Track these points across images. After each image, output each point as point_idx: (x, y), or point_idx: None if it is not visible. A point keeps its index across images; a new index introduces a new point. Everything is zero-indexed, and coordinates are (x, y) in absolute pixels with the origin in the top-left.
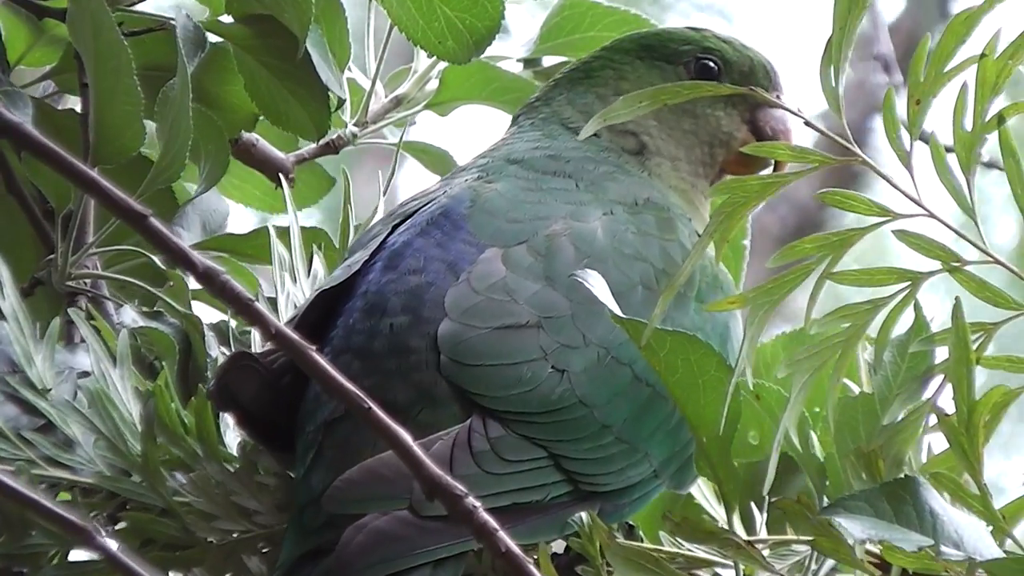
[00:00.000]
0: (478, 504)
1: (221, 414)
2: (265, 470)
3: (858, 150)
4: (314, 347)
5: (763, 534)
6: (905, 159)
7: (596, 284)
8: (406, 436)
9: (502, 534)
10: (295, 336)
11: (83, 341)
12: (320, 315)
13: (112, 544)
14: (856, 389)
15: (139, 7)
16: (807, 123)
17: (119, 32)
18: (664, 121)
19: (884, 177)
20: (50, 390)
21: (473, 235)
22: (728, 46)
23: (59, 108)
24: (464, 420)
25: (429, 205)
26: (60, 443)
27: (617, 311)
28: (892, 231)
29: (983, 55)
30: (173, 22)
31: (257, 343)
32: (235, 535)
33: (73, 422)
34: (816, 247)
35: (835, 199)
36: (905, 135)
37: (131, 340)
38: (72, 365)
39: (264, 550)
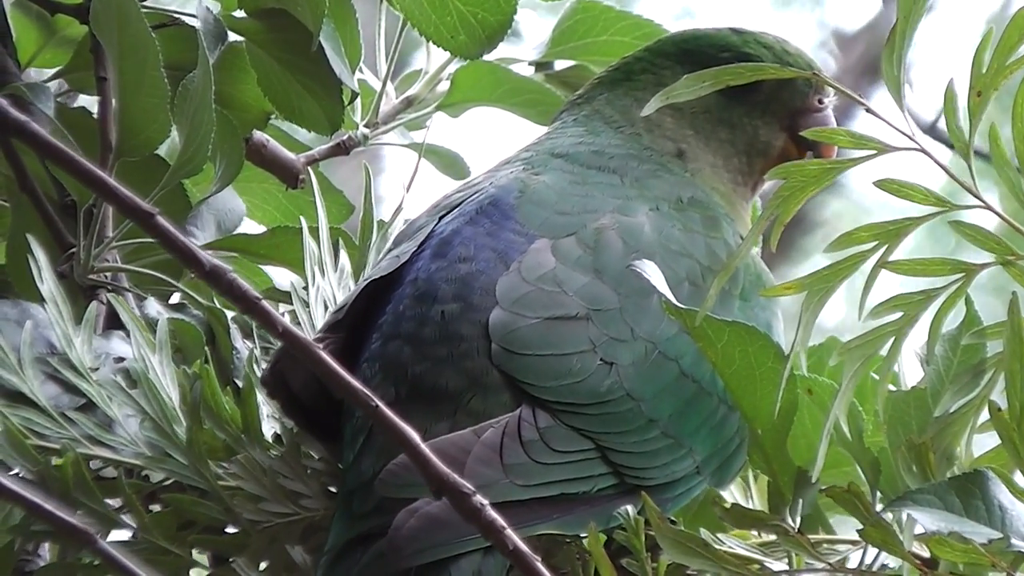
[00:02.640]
0: (485, 502)
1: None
2: (310, 455)
3: (918, 139)
4: (321, 345)
5: None
6: (965, 151)
7: (653, 274)
8: (413, 434)
9: (509, 532)
10: (301, 334)
11: (114, 329)
12: (367, 304)
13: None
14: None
15: (149, 2)
16: (868, 109)
17: (146, 24)
18: (701, 130)
19: (943, 167)
20: (96, 369)
21: (522, 225)
22: (768, 51)
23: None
24: (514, 409)
25: (477, 195)
26: (102, 423)
27: (674, 301)
28: (948, 222)
29: None
30: (189, 17)
31: (308, 332)
32: (281, 518)
33: (117, 403)
34: (872, 235)
35: (891, 187)
36: (965, 127)
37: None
38: (108, 351)
39: (308, 537)
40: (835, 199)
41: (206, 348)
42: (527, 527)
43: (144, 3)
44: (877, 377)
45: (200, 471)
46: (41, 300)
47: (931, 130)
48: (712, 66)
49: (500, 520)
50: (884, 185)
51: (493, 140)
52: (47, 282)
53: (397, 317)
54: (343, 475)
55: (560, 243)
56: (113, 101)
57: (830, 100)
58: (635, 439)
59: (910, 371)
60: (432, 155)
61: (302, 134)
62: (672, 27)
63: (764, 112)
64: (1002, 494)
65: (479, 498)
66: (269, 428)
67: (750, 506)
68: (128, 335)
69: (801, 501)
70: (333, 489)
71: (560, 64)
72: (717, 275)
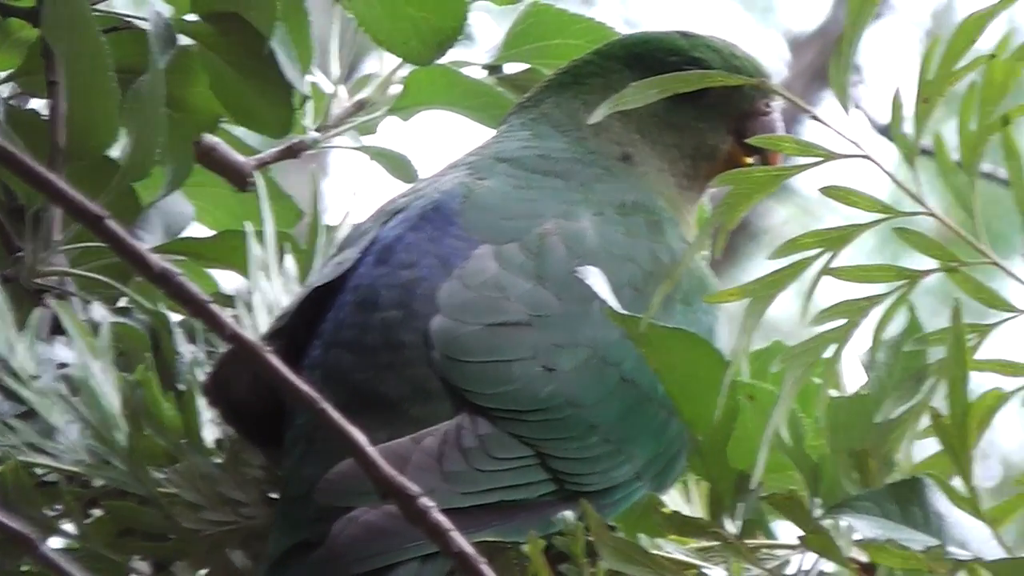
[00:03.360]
0: (431, 504)
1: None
2: (251, 463)
3: (862, 147)
4: (269, 348)
5: None
6: (911, 158)
7: (596, 281)
8: (360, 436)
9: (455, 534)
10: (250, 338)
11: (56, 335)
12: (310, 311)
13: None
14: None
15: (101, 6)
16: (814, 116)
17: (97, 28)
18: (647, 134)
19: (888, 174)
20: (37, 378)
21: (465, 231)
22: (717, 55)
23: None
24: (455, 416)
25: (420, 200)
26: (43, 431)
27: (617, 307)
28: (892, 228)
29: (992, 56)
30: (140, 21)
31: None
32: (220, 527)
33: (58, 411)
34: (816, 242)
35: (837, 194)
36: (911, 133)
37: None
38: (51, 357)
39: (248, 545)
40: (781, 205)
41: (148, 354)
42: (469, 534)
43: (95, 7)
44: (819, 382)
45: (140, 478)
46: None
47: (886, 131)
48: (660, 70)
49: (446, 523)
50: (830, 192)
51: (445, 143)
52: None
53: (339, 324)
54: (283, 483)
55: (503, 249)
56: (63, 104)
57: (778, 104)
58: (575, 445)
59: (852, 377)
60: (381, 158)
61: (252, 137)
62: (626, 31)
63: (711, 116)
64: (939, 501)
65: (425, 501)
66: (211, 433)
67: (690, 511)
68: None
69: (741, 507)
70: (274, 496)
71: (513, 67)
72: (660, 280)
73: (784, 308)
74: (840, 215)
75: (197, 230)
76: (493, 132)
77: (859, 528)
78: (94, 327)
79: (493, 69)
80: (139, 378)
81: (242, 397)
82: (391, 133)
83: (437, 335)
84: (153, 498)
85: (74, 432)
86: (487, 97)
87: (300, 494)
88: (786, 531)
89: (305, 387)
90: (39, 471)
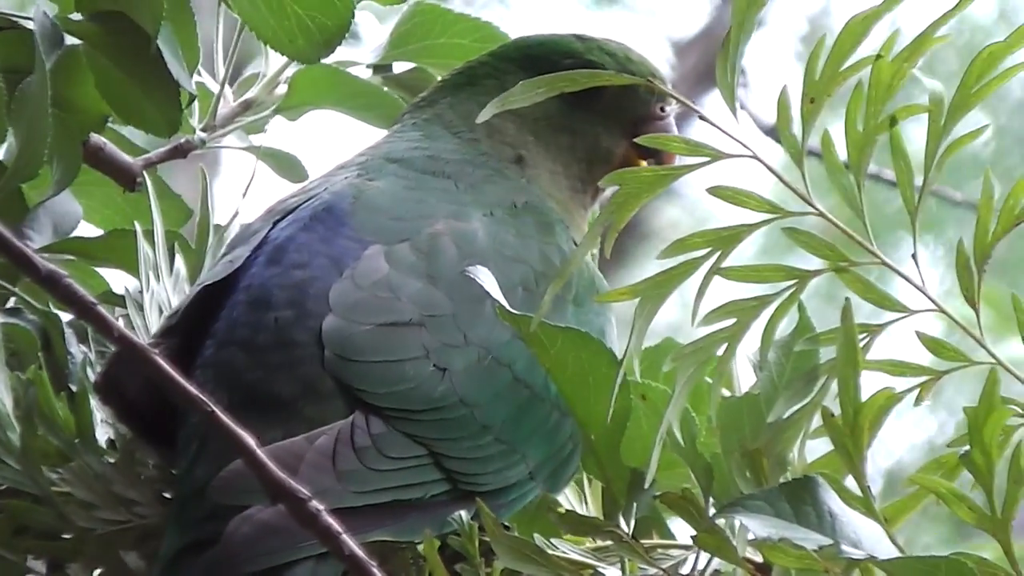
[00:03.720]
0: (321, 507)
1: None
2: (144, 463)
3: (750, 147)
4: (156, 350)
5: None
6: (798, 158)
7: (487, 280)
8: (249, 439)
9: (346, 537)
10: (137, 339)
11: None
12: (202, 309)
13: None
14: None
15: None
16: (701, 117)
17: None
18: (541, 136)
19: (776, 174)
20: None
21: (356, 231)
22: (611, 59)
23: None
24: (348, 416)
25: (311, 201)
26: None
27: (507, 306)
28: (781, 228)
29: (879, 56)
30: (26, 20)
31: (142, 336)
32: (114, 526)
33: None
34: (705, 242)
35: (725, 194)
36: (798, 134)
37: None
38: None
39: (142, 544)
40: (670, 206)
41: (40, 353)
42: (361, 534)
43: None
44: (711, 382)
45: (34, 477)
46: None
47: (771, 132)
48: (555, 72)
49: (336, 525)
50: (718, 192)
51: (332, 143)
52: None
53: (231, 323)
54: (177, 482)
55: (394, 249)
56: None
57: (672, 108)
58: (468, 445)
59: (744, 377)
60: (270, 158)
61: (139, 137)
62: (511, 31)
63: (606, 119)
64: (832, 500)
65: (315, 503)
66: (103, 433)
67: (585, 510)
68: None
69: (635, 506)
70: (168, 496)
71: (399, 67)
72: (551, 280)
73: (675, 309)
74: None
75: (85, 230)
76: (380, 132)
77: (752, 527)
78: None
79: (379, 68)
80: (31, 378)
81: (134, 396)
82: (280, 133)
83: (329, 335)
84: (47, 497)
85: None
86: (373, 97)
87: (194, 493)
88: (684, 529)
89: (193, 389)
90: None
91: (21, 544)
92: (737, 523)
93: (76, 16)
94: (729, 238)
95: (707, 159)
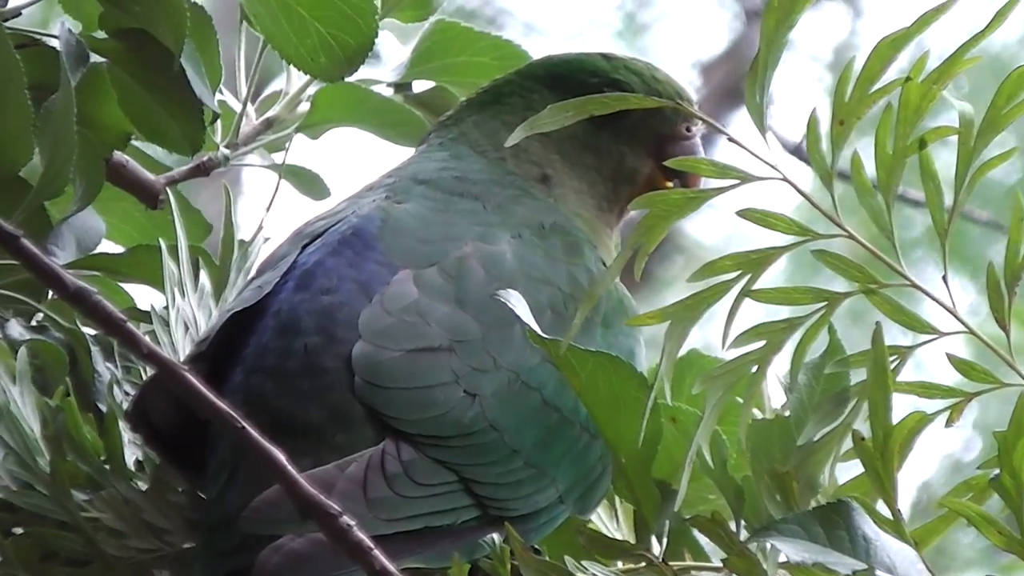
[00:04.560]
0: (352, 523)
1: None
2: (173, 489)
3: (780, 168)
4: (187, 367)
5: None
6: (827, 180)
7: (517, 304)
8: (280, 456)
9: (377, 553)
10: (167, 356)
11: None
12: (230, 335)
13: None
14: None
15: (9, 23)
16: (730, 139)
17: (10, 46)
18: (567, 156)
19: (805, 196)
20: None
21: (384, 255)
22: (638, 78)
23: None
24: (378, 442)
25: (339, 225)
26: None
27: (537, 330)
28: (811, 251)
29: (908, 78)
30: (50, 38)
31: (168, 352)
32: (144, 554)
33: None
34: (735, 264)
35: (755, 216)
36: (827, 155)
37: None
38: None
39: (172, 570)
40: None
41: (68, 378)
42: (391, 562)
43: (4, 23)
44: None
45: (63, 503)
46: None
47: (796, 151)
48: (581, 91)
49: (367, 541)
50: (747, 215)
51: (353, 161)
52: None
53: (260, 350)
54: (207, 510)
55: (422, 273)
56: None
57: (698, 128)
58: (498, 470)
59: (774, 399)
60: (292, 176)
61: (162, 155)
62: (533, 49)
63: (631, 139)
64: (866, 524)
65: (346, 519)
66: (131, 454)
67: (616, 529)
68: None
69: (666, 526)
70: (197, 522)
71: (420, 85)
72: (579, 302)
73: (705, 331)
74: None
75: (107, 247)
76: (401, 149)
77: (785, 551)
78: (12, 345)
79: (400, 87)
80: (59, 403)
81: (163, 422)
82: (302, 151)
83: (358, 361)
84: (76, 524)
85: None
86: (394, 115)
87: (224, 522)
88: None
89: (224, 406)
90: None
91: (49, 570)
92: (768, 546)
93: (99, 34)
94: (759, 260)
95: (736, 181)
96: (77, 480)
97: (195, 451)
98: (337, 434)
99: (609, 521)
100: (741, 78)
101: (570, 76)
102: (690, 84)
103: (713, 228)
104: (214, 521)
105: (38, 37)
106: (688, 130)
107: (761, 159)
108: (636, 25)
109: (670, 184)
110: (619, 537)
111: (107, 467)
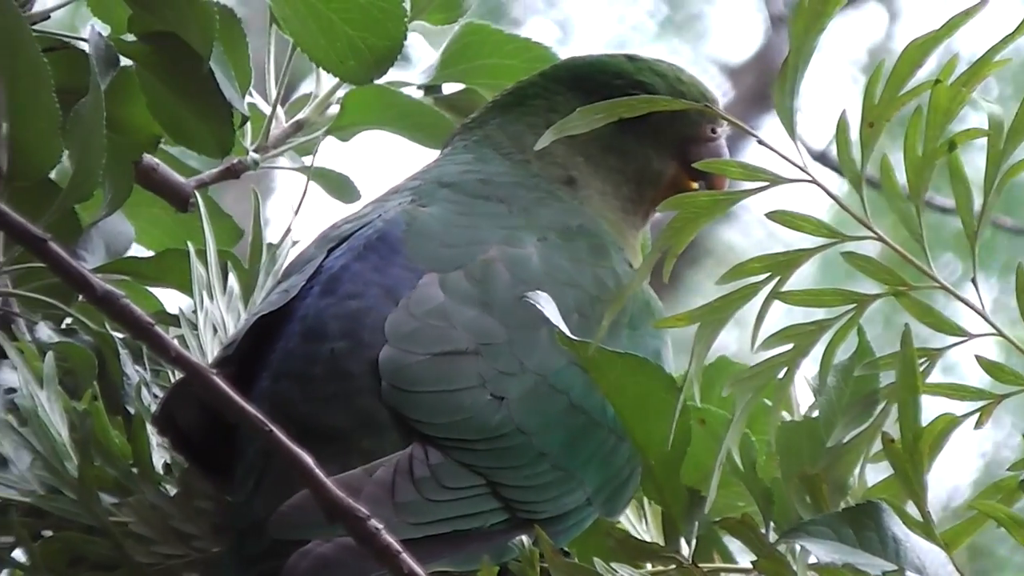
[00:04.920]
0: (380, 526)
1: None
2: (201, 494)
3: (809, 170)
4: (215, 370)
5: None
6: (857, 182)
7: (546, 305)
8: (308, 459)
9: (405, 556)
10: (195, 360)
11: (3, 358)
12: (255, 341)
13: None
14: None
15: (38, 26)
16: (760, 141)
17: (38, 48)
18: (591, 158)
19: (835, 199)
20: None
21: (410, 260)
22: (662, 79)
23: None
24: (405, 447)
25: (364, 228)
26: None
27: (567, 332)
28: (840, 253)
29: (937, 81)
30: (79, 41)
31: (197, 356)
32: (172, 560)
33: (8, 441)
34: (764, 267)
35: (784, 218)
36: (857, 158)
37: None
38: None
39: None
40: (724, 229)
41: (96, 383)
42: (420, 565)
43: (33, 27)
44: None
45: (91, 508)
46: None
47: (821, 157)
48: (605, 93)
49: (395, 544)
50: (776, 217)
51: (383, 163)
52: None
53: (286, 355)
54: (235, 516)
55: (448, 277)
56: (4, 126)
57: (723, 130)
58: (526, 473)
59: (803, 401)
60: (321, 178)
61: (192, 158)
62: (561, 51)
63: (656, 141)
64: (896, 525)
65: (374, 522)
66: (159, 457)
67: (644, 530)
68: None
69: (695, 528)
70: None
71: (449, 87)
72: (606, 304)
73: (730, 333)
74: (783, 240)
75: (136, 251)
76: (430, 152)
77: (815, 552)
78: (41, 348)
79: (429, 89)
80: (87, 407)
81: (190, 426)
82: (332, 153)
83: (385, 365)
84: (105, 529)
85: (24, 461)
86: (423, 117)
87: (253, 527)
88: (743, 549)
89: (252, 409)
90: None
91: (77, 575)
92: (798, 548)
93: (129, 37)
94: (788, 263)
95: (765, 184)
96: (105, 484)
97: (222, 455)
98: (364, 439)
99: (638, 523)
100: (770, 83)
101: (594, 78)
102: (718, 88)
103: (743, 232)
104: (242, 526)
105: (67, 40)
106: (713, 132)
107: (790, 161)
108: (667, 27)
109: (695, 186)
110: (647, 539)
111: (135, 471)
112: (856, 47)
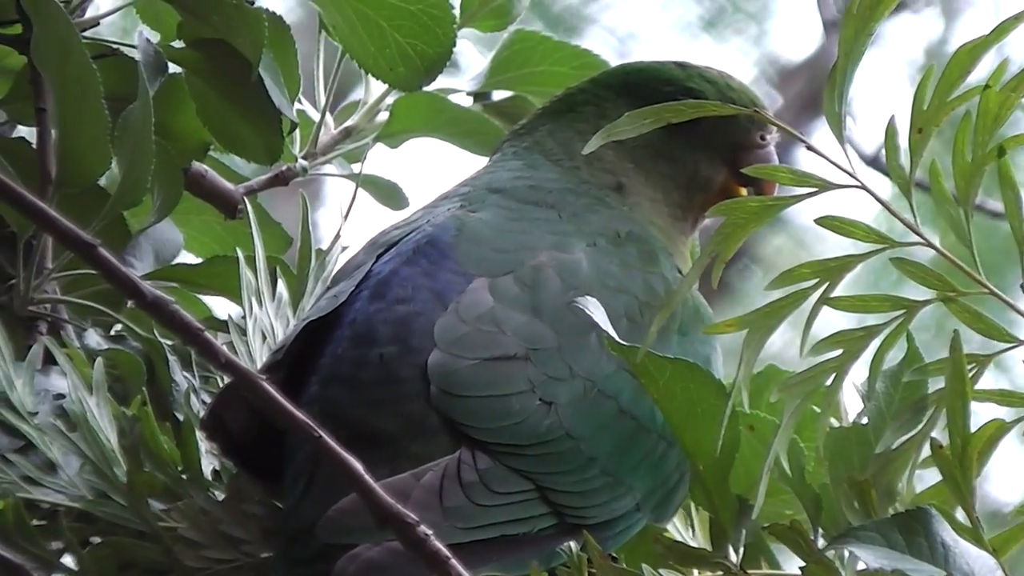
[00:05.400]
0: (430, 532)
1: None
2: (250, 498)
3: (859, 176)
4: (265, 376)
5: None
6: (906, 188)
7: (596, 311)
8: (357, 465)
9: (454, 562)
10: (243, 365)
11: (51, 364)
12: (306, 344)
13: None
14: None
15: (87, 33)
16: (809, 147)
17: (88, 55)
18: (641, 164)
19: (884, 204)
20: (35, 413)
21: (460, 264)
22: (712, 86)
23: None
24: (454, 451)
25: (414, 234)
26: (42, 465)
27: (616, 337)
28: (889, 259)
29: (987, 86)
30: (128, 48)
31: (246, 362)
32: (221, 564)
33: (57, 445)
34: (813, 272)
35: (833, 224)
36: (906, 164)
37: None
38: (47, 388)
39: None
40: (773, 235)
41: (145, 388)
42: (469, 570)
43: (82, 33)
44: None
45: (140, 513)
46: None
47: (872, 162)
48: (655, 100)
49: (444, 550)
50: (826, 222)
51: (432, 170)
52: None
53: (335, 359)
54: (284, 520)
55: (498, 282)
56: (53, 132)
57: (772, 137)
58: (575, 478)
59: (851, 407)
60: (371, 185)
61: (241, 165)
62: (613, 58)
63: (706, 147)
64: (945, 531)
65: (423, 528)
66: (207, 464)
67: (691, 537)
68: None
69: (743, 533)
70: (273, 533)
71: (498, 94)
72: (656, 310)
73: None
74: (830, 245)
75: (185, 258)
76: (480, 159)
77: (864, 558)
78: (90, 354)
79: (479, 96)
80: (136, 413)
81: (239, 431)
82: (381, 160)
83: (434, 370)
84: (154, 533)
85: (73, 466)
86: (473, 124)
87: (302, 531)
88: (790, 556)
89: (301, 415)
90: (39, 506)
91: None
92: (846, 555)
93: (178, 44)
94: (837, 268)
95: (814, 189)
96: (154, 490)
97: (271, 460)
98: (413, 444)
99: (684, 529)
100: (820, 88)
101: (644, 84)
102: (768, 95)
103: (790, 238)
104: (291, 530)
105: (116, 47)
106: (763, 138)
107: (840, 167)
108: (717, 32)
109: (744, 192)
110: (694, 545)
111: (184, 477)
112: (913, 48)
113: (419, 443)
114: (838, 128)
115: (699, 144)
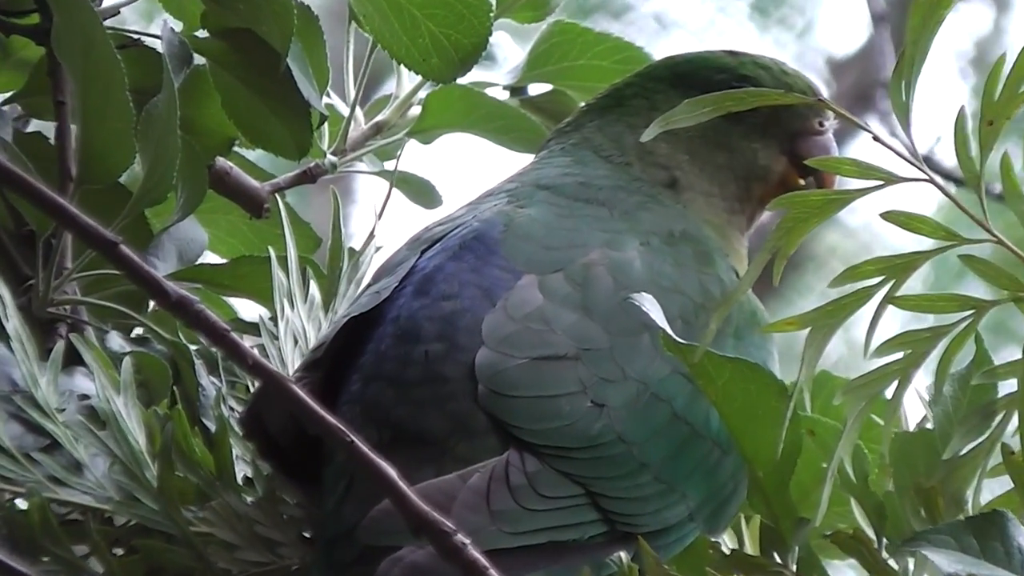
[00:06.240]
0: (467, 541)
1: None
2: (286, 501)
3: (926, 169)
4: (293, 378)
5: None
6: (976, 181)
7: (652, 308)
8: (390, 470)
9: (493, 572)
10: (272, 367)
11: (75, 364)
12: (346, 342)
13: None
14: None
15: (109, 23)
16: (875, 138)
17: (112, 46)
18: (696, 155)
19: (954, 200)
20: (62, 410)
21: (508, 260)
22: (766, 72)
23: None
24: (502, 453)
25: (459, 229)
26: (68, 465)
27: (673, 336)
28: (958, 256)
29: None
30: (151, 38)
31: (277, 365)
32: (256, 567)
33: (83, 445)
34: (878, 270)
35: (899, 219)
36: (975, 157)
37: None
38: (71, 388)
39: None
40: (829, 232)
41: (175, 387)
42: None
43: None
44: (877, 418)
45: (171, 517)
46: (6, 338)
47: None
48: (707, 89)
49: (483, 560)
50: (891, 217)
51: (467, 167)
52: (12, 319)
53: (379, 357)
54: (323, 522)
55: (547, 279)
56: (74, 127)
57: (831, 123)
58: (626, 484)
59: (912, 412)
60: (403, 183)
61: (267, 162)
62: (660, 52)
63: (763, 135)
64: (1021, 536)
65: (460, 537)
66: (239, 470)
67: (742, 549)
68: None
69: (802, 543)
70: (310, 536)
71: (536, 89)
72: (711, 312)
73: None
74: (888, 244)
75: (208, 259)
76: (517, 156)
77: (936, 562)
78: (112, 357)
79: (515, 90)
80: (167, 414)
81: (278, 432)
82: (413, 157)
83: (482, 368)
84: (185, 537)
85: (100, 467)
86: (509, 119)
87: (342, 534)
88: (837, 569)
89: (332, 419)
90: (64, 508)
91: None
92: (910, 566)
93: (202, 33)
94: (903, 266)
95: (879, 183)
96: (185, 493)
97: (308, 463)
98: (459, 444)
99: (734, 539)
100: (870, 82)
101: (695, 74)
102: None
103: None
104: (332, 533)
105: (138, 37)
106: (821, 124)
107: (906, 159)
108: (766, 22)
109: (802, 182)
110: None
111: (217, 481)
112: (963, 40)
113: (465, 444)
114: (905, 119)
115: (757, 133)
